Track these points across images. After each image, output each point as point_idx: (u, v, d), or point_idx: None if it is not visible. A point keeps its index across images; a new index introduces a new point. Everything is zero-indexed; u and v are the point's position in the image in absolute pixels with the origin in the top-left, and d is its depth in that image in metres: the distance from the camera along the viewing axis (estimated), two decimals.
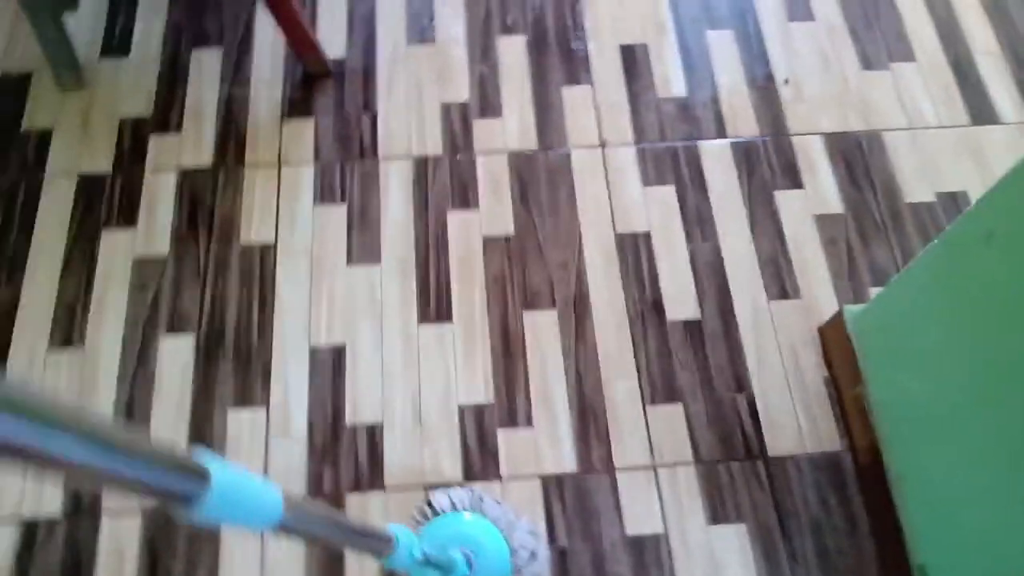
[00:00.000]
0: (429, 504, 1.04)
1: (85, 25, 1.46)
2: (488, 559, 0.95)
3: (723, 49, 1.45)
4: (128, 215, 1.30)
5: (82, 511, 1.10)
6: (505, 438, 1.15)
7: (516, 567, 0.98)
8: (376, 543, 0.63)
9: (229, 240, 1.28)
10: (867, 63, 1.45)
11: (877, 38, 1.47)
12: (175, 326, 1.21)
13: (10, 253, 1.27)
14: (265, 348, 1.20)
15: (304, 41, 1.36)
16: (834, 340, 1.18)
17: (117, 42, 1.45)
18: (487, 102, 1.41)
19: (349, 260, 1.27)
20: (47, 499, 1.11)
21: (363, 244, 1.28)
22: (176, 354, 1.20)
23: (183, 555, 1.08)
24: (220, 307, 1.23)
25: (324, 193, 1.32)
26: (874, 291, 1.25)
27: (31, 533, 1.09)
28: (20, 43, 1.45)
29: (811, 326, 1.22)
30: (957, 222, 0.86)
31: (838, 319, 1.16)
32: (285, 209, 1.31)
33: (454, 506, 1.03)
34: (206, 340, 1.21)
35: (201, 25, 1.46)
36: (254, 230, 1.29)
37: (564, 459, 1.14)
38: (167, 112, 1.39)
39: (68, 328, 1.21)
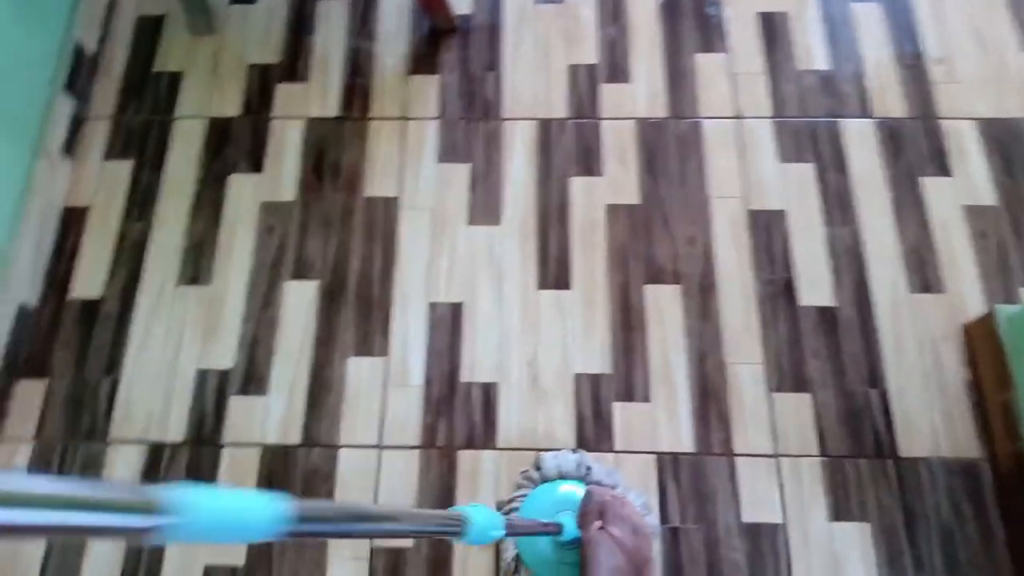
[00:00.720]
0: (537, 467, 1.02)
1: None
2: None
3: (870, 22, 1.37)
4: (255, 160, 1.31)
5: (204, 440, 1.12)
6: (621, 410, 1.12)
7: None
8: (443, 527, 0.59)
9: (353, 191, 1.28)
10: None
11: None
12: (300, 272, 1.22)
13: (143, 188, 1.30)
14: (386, 299, 1.20)
15: None
16: (981, 340, 1.10)
17: None
18: (616, 66, 1.36)
19: (471, 220, 1.25)
20: (172, 424, 1.14)
21: (484, 204, 1.26)
22: (300, 298, 1.20)
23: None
24: (343, 256, 1.23)
25: (447, 151, 1.31)
26: None
27: (157, 454, 1.12)
28: None
29: (955, 323, 1.15)
30: None
31: (987, 318, 1.09)
32: (409, 164, 1.30)
33: (560, 473, 1.01)
34: (329, 287, 1.21)
35: None
36: (377, 183, 1.29)
37: (682, 438, 1.10)
38: (294, 61, 1.39)
39: (196, 265, 1.23)
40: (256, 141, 1.33)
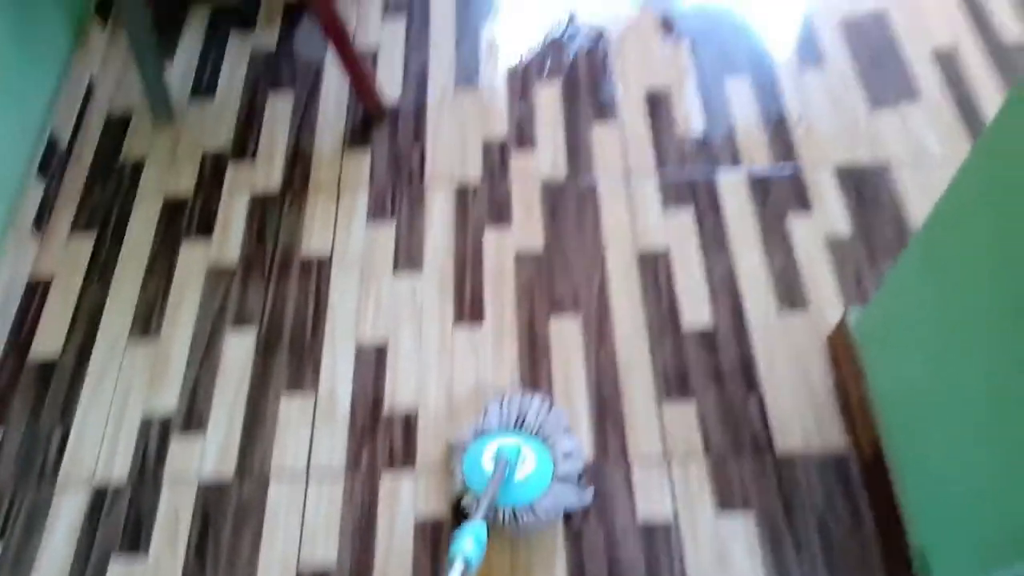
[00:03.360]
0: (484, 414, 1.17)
1: (179, 70, 1.70)
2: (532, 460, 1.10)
3: (740, 92, 1.59)
4: (205, 230, 1.48)
5: (145, 481, 1.23)
6: None
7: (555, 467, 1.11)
8: None
9: (291, 253, 1.45)
10: (876, 102, 1.56)
11: (883, 78, 1.59)
12: (239, 323, 1.37)
13: (103, 259, 1.46)
14: (317, 344, 1.34)
15: (365, 86, 1.56)
16: (840, 344, 1.25)
17: (205, 85, 1.68)
18: (523, 137, 1.57)
19: (395, 269, 1.41)
20: (117, 468, 1.25)
21: (408, 256, 1.43)
22: (239, 346, 1.35)
23: (231, 522, 1.19)
24: (280, 309, 1.38)
25: (376, 212, 1.49)
26: None
27: (100, 499, 1.23)
28: (124, 89, 1.69)
29: (820, 335, 1.30)
30: (934, 209, 0.96)
31: (843, 323, 1.24)
32: (342, 226, 1.47)
33: (503, 423, 1.15)
34: (266, 335, 1.36)
35: (278, 72, 1.69)
36: (313, 244, 1.46)
37: (583, 447, 1.22)
38: (244, 145, 1.59)
39: (147, 321, 1.38)
40: (206, 214, 1.50)
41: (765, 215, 1.43)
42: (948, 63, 1.60)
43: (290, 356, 1.34)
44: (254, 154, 1.58)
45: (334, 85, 1.66)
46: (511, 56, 1.68)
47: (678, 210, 1.45)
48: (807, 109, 1.56)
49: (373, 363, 1.33)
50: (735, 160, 1.50)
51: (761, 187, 1.47)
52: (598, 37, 1.70)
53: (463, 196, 1.50)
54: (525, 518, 1.08)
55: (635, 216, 1.45)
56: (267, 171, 1.55)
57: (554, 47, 1.69)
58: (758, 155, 1.50)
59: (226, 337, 1.36)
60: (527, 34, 1.71)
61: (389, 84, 1.65)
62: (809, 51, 1.65)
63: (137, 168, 1.58)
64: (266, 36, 1.75)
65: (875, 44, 1.64)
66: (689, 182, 1.48)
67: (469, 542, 0.86)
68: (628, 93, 1.61)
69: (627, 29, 1.70)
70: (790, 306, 1.34)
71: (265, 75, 1.69)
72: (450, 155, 1.55)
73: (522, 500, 1.08)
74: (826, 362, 1.28)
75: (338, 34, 1.44)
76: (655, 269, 1.39)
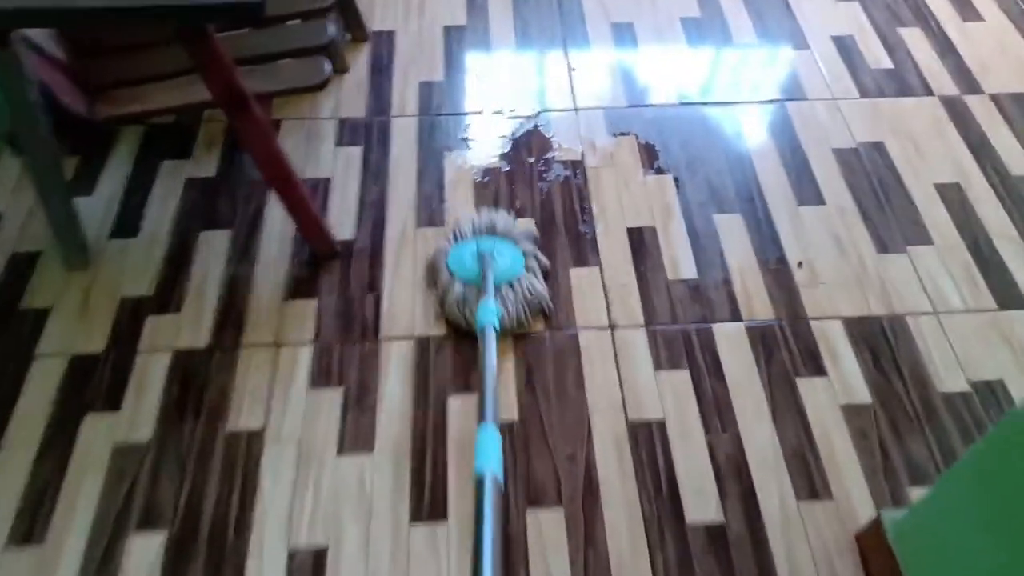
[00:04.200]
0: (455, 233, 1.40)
1: (98, 207, 1.49)
2: (505, 254, 1.35)
3: (732, 232, 1.44)
4: (114, 398, 1.24)
5: None
6: None
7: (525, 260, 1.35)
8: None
9: (215, 426, 1.21)
10: (882, 246, 1.42)
11: (890, 222, 1.45)
12: (147, 521, 1.11)
13: None
14: (240, 548, 1.09)
15: (313, 226, 1.37)
16: (874, 549, 1.04)
17: (128, 224, 1.47)
18: None
19: (340, 448, 1.18)
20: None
21: (356, 431, 1.21)
22: (143, 554, 1.09)
23: None
24: (197, 501, 1.14)
25: (320, 375, 1.27)
26: (913, 491, 1.13)
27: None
28: (34, 224, 1.47)
29: (847, 532, 1.10)
30: (1001, 424, 0.77)
31: (876, 526, 1.04)
32: (278, 393, 1.25)
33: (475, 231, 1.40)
34: (178, 537, 1.10)
35: (213, 208, 1.49)
36: (243, 415, 1.22)
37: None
38: (168, 292, 1.37)
39: (32, 521, 1.12)
40: (117, 378, 1.27)
41: (772, 378, 1.25)
42: (954, 198, 1.47)
43: (207, 564, 1.08)
44: (179, 305, 1.36)
45: (278, 222, 1.46)
46: (479, 190, 1.52)
47: (672, 371, 1.26)
48: (807, 251, 1.41)
49: (310, 572, 1.08)
50: (733, 312, 1.33)
51: (764, 344, 1.29)
52: (573, 170, 1.54)
53: (423, 354, 1.29)
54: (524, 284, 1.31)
55: (624, 378, 1.25)
56: (194, 325, 1.33)
57: (525, 180, 1.53)
58: (758, 306, 1.33)
59: (129, 541, 1.10)
60: (496, 165, 1.55)
61: (342, 220, 1.47)
62: (804, 185, 1.51)
63: (40, 317, 1.35)
64: (203, 166, 1.56)
65: (875, 177, 1.52)
66: (684, 336, 1.30)
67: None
68: (609, 233, 1.44)
69: (604, 161, 1.56)
70: (809, 495, 1.13)
71: (198, 211, 1.49)
72: (409, 305, 1.35)
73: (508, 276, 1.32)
74: (856, 565, 1.07)
75: (280, 178, 1.25)
76: (651, 443, 1.18)
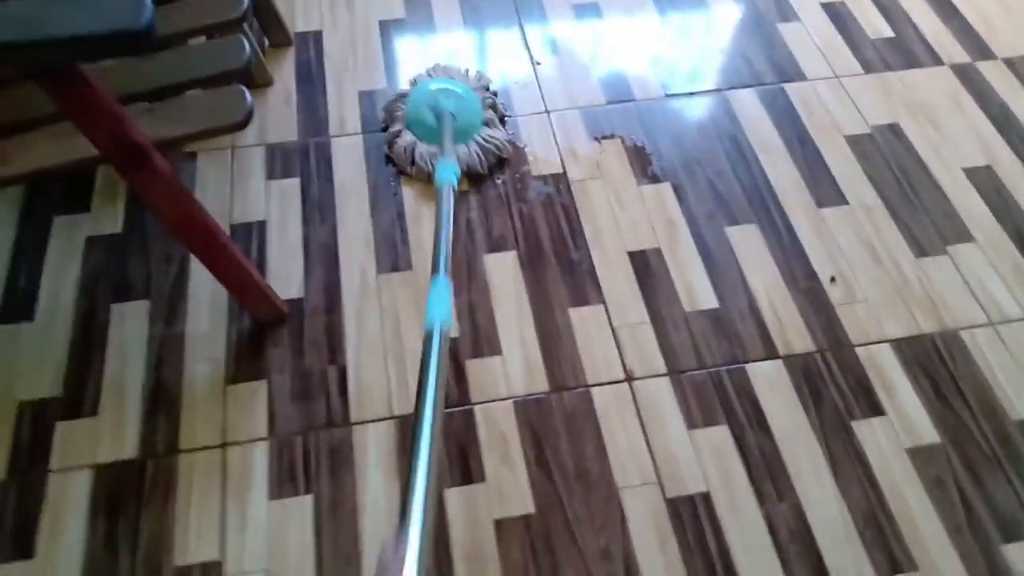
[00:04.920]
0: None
1: None
2: (466, 105, 1.35)
3: (749, 246, 1.24)
4: (25, 542, 0.98)
5: None
6: None
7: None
8: None
9: (160, 562, 0.96)
10: (920, 249, 1.24)
11: (923, 218, 1.27)
12: None
13: None
14: None
15: (252, 289, 1.11)
16: None
17: (19, 304, 1.18)
18: (480, 335, 1.15)
19: (318, 573, 0.95)
20: None
21: (336, 549, 0.97)
22: None
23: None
24: None
25: (282, 480, 1.02)
26: (1008, 548, 0.97)
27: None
28: None
29: None
30: None
31: None
32: (233, 509, 1.00)
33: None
34: None
35: (123, 273, 1.21)
36: (192, 544, 0.97)
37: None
38: (79, 389, 1.10)
39: None
40: (25, 513, 0.99)
41: (824, 425, 1.06)
42: (987, 183, 1.30)
43: None
44: (95, 405, 1.08)
45: (207, 283, 1.19)
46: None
47: (708, 428, 1.06)
48: (838, 262, 1.22)
49: None
50: (767, 345, 1.13)
51: (809, 383, 1.10)
52: (555, 185, 1.32)
53: (407, 438, 1.06)
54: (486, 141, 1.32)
55: (653, 442, 1.05)
56: (116, 430, 1.06)
57: (501, 202, 1.30)
58: (794, 336, 1.14)
59: None
60: (462, 187, 1.31)
61: (285, 273, 1.21)
62: (820, 182, 1.32)
63: None
64: (105, 219, 1.27)
65: (896, 166, 1.33)
66: (715, 382, 1.10)
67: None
68: (608, 260, 1.22)
69: (589, 172, 1.33)
70: (891, 570, 0.95)
71: (106, 278, 1.20)
72: (382, 375, 1.11)
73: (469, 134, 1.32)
74: None
75: (201, 242, 0.98)
76: (697, 523, 0.98)
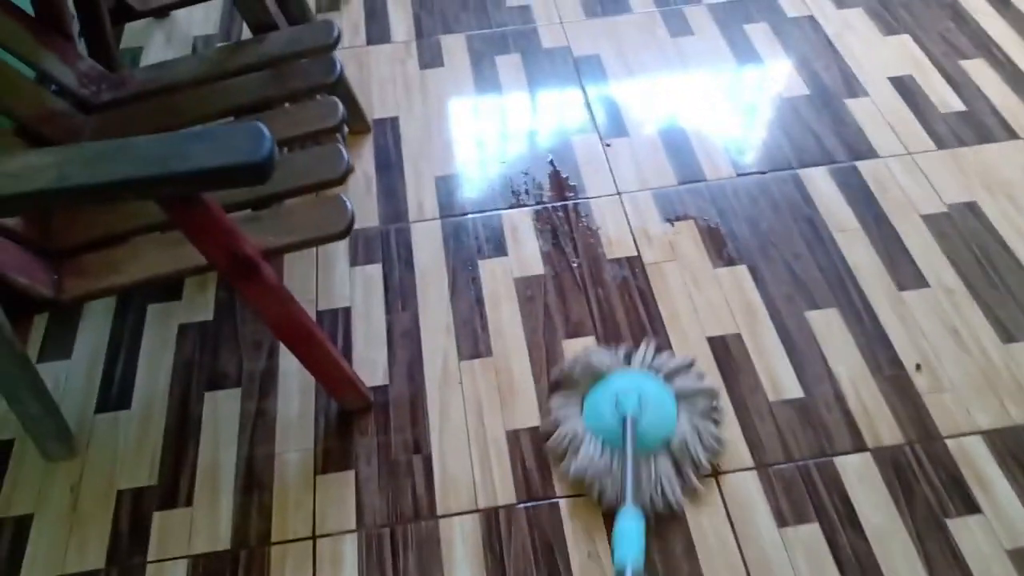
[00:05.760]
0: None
1: (78, 373, 1.25)
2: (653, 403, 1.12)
3: (831, 332, 1.23)
4: None
5: None
6: None
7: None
8: None
9: None
10: (1006, 333, 1.22)
11: (1008, 301, 1.25)
12: None
13: None
14: None
15: (338, 378, 1.14)
16: None
17: (116, 392, 1.23)
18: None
19: None
20: None
21: None
22: None
23: None
24: None
25: (372, 574, 1.04)
26: None
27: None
28: (2, 405, 1.22)
29: None
30: None
31: None
32: None
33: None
34: None
35: (215, 361, 1.25)
36: None
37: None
38: (174, 479, 1.13)
39: None
40: None
41: (918, 523, 1.04)
42: None
43: None
44: (190, 495, 1.12)
45: (295, 371, 1.23)
46: (524, 305, 1.30)
47: (799, 526, 1.04)
48: (921, 348, 1.20)
49: None
50: (855, 437, 1.12)
51: (900, 478, 1.08)
52: (630, 268, 1.33)
53: (492, 532, 1.06)
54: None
55: (743, 543, 1.03)
56: (210, 521, 1.09)
57: (576, 285, 1.31)
58: (882, 427, 1.12)
59: None
60: (537, 271, 1.33)
61: (370, 359, 1.24)
62: (899, 263, 1.31)
63: (22, 528, 1.10)
64: (197, 307, 1.32)
65: (976, 246, 1.32)
66: (804, 476, 1.08)
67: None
68: (687, 345, 1.23)
69: (664, 255, 1.34)
70: None
71: (198, 367, 1.25)
72: (466, 465, 1.13)
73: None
74: None
75: (299, 339, 1.02)
76: None
